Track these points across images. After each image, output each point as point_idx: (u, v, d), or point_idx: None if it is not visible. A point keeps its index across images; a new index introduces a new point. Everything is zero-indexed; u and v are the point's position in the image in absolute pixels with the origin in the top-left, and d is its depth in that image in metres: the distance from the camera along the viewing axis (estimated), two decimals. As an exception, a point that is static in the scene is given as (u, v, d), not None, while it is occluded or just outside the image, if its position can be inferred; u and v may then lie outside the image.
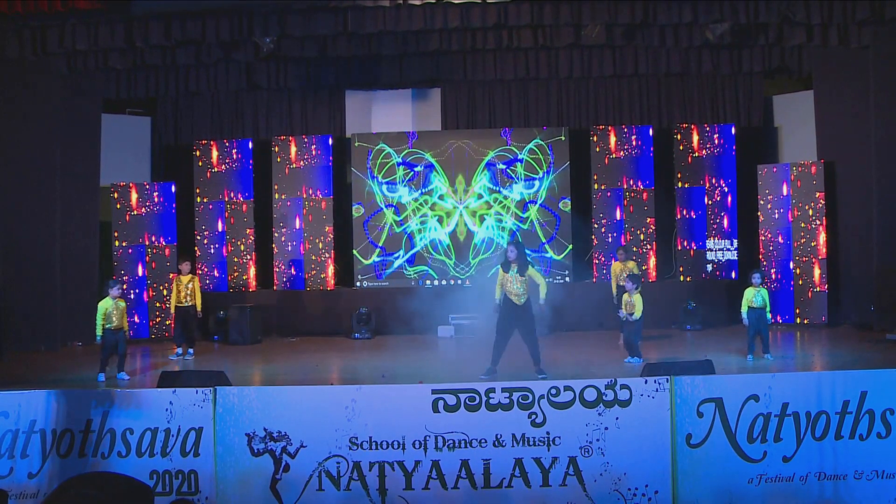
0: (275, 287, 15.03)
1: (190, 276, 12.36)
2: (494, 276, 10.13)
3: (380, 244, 15.13)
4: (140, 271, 14.35)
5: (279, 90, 15.35)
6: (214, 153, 15.09)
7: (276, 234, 15.06)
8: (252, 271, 15.04)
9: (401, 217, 15.15)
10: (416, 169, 15.14)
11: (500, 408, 6.95)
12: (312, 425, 7.02)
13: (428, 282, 15.07)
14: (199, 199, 15.06)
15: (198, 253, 14.84)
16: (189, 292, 12.20)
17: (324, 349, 13.03)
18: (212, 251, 14.98)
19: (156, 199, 14.46)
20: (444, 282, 15.06)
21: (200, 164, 15.09)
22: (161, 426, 7.04)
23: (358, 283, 15.04)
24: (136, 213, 14.40)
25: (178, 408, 7.03)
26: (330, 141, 15.14)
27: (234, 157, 15.07)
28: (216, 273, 14.93)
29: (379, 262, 15.09)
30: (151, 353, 13.01)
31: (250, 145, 15.12)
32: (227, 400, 7.06)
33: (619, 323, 12.15)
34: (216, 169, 15.08)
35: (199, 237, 15.01)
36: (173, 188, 14.58)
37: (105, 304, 10.56)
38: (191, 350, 12.24)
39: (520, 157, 15.08)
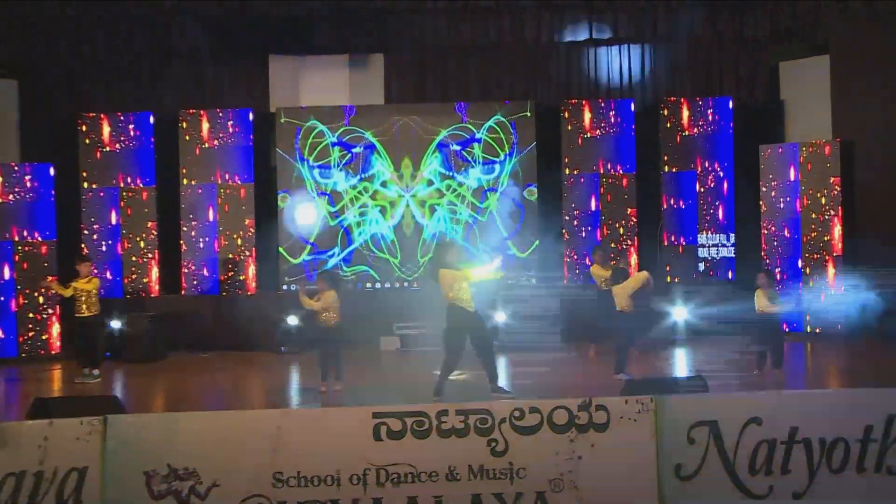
0: (182, 292, 14.86)
1: (89, 278, 12.11)
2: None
3: (311, 240, 15.03)
4: (7, 274, 13.92)
5: (188, 54, 15.14)
6: (105, 128, 14.82)
7: (184, 228, 14.87)
8: (154, 273, 14.83)
9: (336, 208, 15.07)
10: (354, 150, 15.06)
11: (454, 434, 6.88)
12: (228, 459, 6.87)
13: (368, 284, 15.01)
14: (85, 185, 14.78)
15: (85, 251, 14.53)
16: (90, 299, 11.95)
17: (243, 366, 12.93)
18: (103, 249, 14.71)
19: (28, 185, 14.10)
20: (387, 284, 15.01)
21: (87, 141, 14.81)
22: (30, 469, 6.73)
23: (285, 287, 14.90)
24: (0, 201, 14.07)
25: (56, 444, 6.75)
26: (250, 116, 14.99)
27: (131, 133, 14.82)
28: (109, 275, 14.66)
29: (310, 261, 14.99)
30: (21, 376, 12.69)
31: (151, 120, 14.88)
32: (121, 431, 6.85)
33: (591, 332, 12.35)
34: (108, 148, 14.81)
35: (86, 232, 14.73)
36: (51, 171, 14.25)
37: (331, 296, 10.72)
38: (96, 371, 11.95)
39: (477, 136, 15.07)
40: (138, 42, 14.59)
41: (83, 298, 11.97)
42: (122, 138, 14.84)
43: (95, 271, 12.40)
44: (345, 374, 10.71)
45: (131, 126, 14.85)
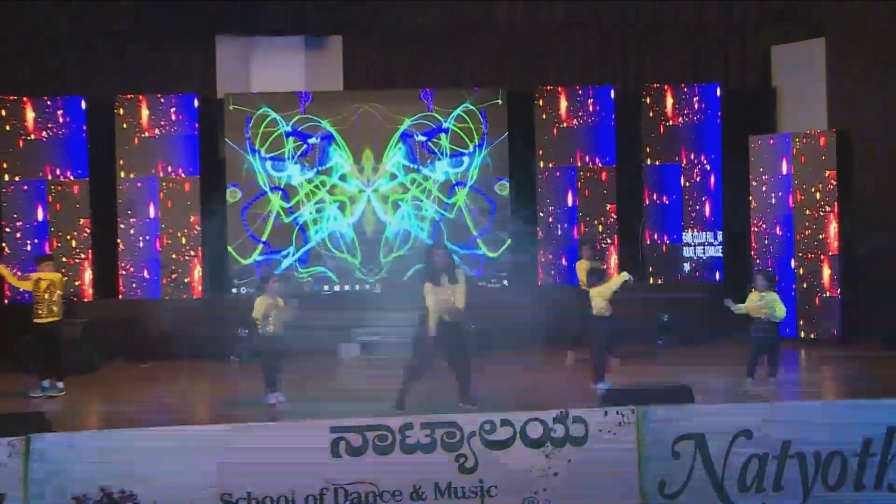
0: (120, 296, 14.78)
1: (57, 277, 11.67)
2: (413, 281, 10.14)
3: (263, 238, 14.99)
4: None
5: (125, 32, 15.02)
6: (30, 114, 14.69)
7: (121, 226, 14.78)
8: (87, 275, 14.73)
9: (290, 203, 15.03)
10: (310, 141, 15.03)
11: (420, 449, 6.89)
12: (169, 480, 6.82)
13: (326, 287, 14.98)
14: (6, 177, 14.66)
15: (6, 251, 14.41)
16: (52, 299, 11.53)
17: (188, 377, 12.87)
18: (28, 248, 14.55)
19: (-63, 176, 14.05)
20: (346, 287, 15.00)
21: (8, 128, 14.69)
22: (-68, 501, 6.65)
23: (234, 290, 14.86)
24: None
25: (-33, 469, 6.71)
26: (195, 102, 14.94)
27: (60, 120, 14.72)
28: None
29: (262, 261, 14.94)
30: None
31: (83, 105, 14.78)
32: (47, 452, 6.76)
33: (569, 338, 12.52)
34: (32, 136, 14.70)
35: (8, 229, 14.61)
36: (-35, 161, 14.19)
37: (262, 302, 10.75)
38: (60, 384, 11.66)
39: (445, 126, 15.08)
40: (68, 17, 14.41)
41: (45, 299, 11.51)
42: (49, 125, 14.71)
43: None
44: (283, 384, 10.77)
45: (60, 112, 14.73)
